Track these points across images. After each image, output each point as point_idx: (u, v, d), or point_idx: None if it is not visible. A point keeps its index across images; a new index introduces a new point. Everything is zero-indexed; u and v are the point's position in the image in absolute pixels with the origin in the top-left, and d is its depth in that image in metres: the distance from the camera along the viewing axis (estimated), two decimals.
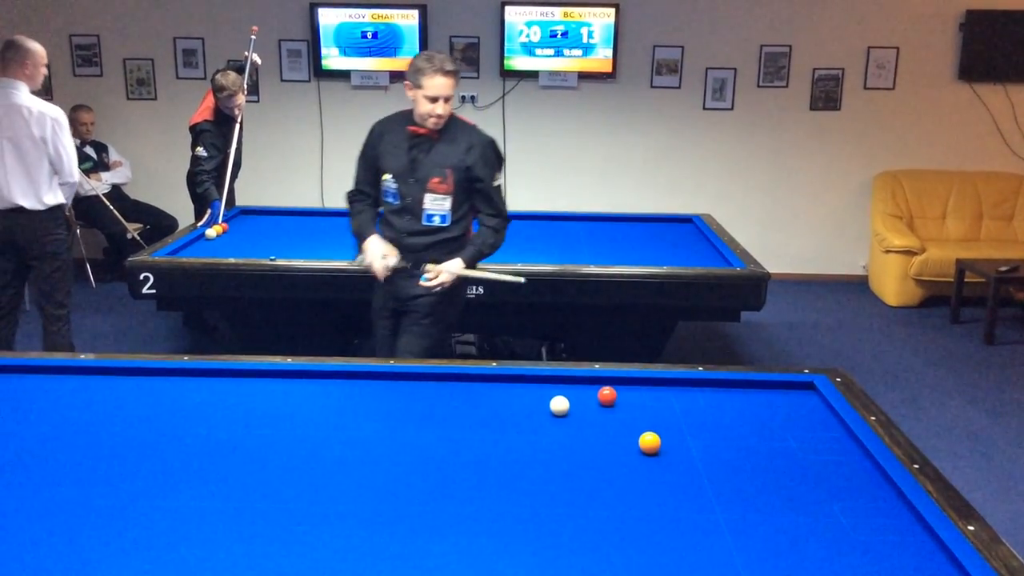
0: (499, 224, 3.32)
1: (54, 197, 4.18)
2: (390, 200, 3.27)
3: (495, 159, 3.28)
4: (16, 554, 1.72)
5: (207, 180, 4.98)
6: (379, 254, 3.21)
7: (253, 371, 2.67)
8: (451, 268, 3.19)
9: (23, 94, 4.10)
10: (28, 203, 4.10)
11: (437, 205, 3.22)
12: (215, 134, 5.05)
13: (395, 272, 3.26)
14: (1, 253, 4.18)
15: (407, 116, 3.23)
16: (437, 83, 3.06)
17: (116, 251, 6.51)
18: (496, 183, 3.30)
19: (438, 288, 3.18)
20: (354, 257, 3.38)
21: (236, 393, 2.55)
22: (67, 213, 4.35)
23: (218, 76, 5.03)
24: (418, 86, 3.08)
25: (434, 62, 3.07)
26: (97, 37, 6.78)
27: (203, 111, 5.12)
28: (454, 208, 3.24)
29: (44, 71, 4.21)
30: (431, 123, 3.14)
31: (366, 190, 3.34)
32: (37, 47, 4.16)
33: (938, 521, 1.82)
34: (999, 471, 3.91)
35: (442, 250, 3.26)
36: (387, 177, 3.24)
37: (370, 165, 3.30)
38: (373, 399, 2.53)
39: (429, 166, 3.20)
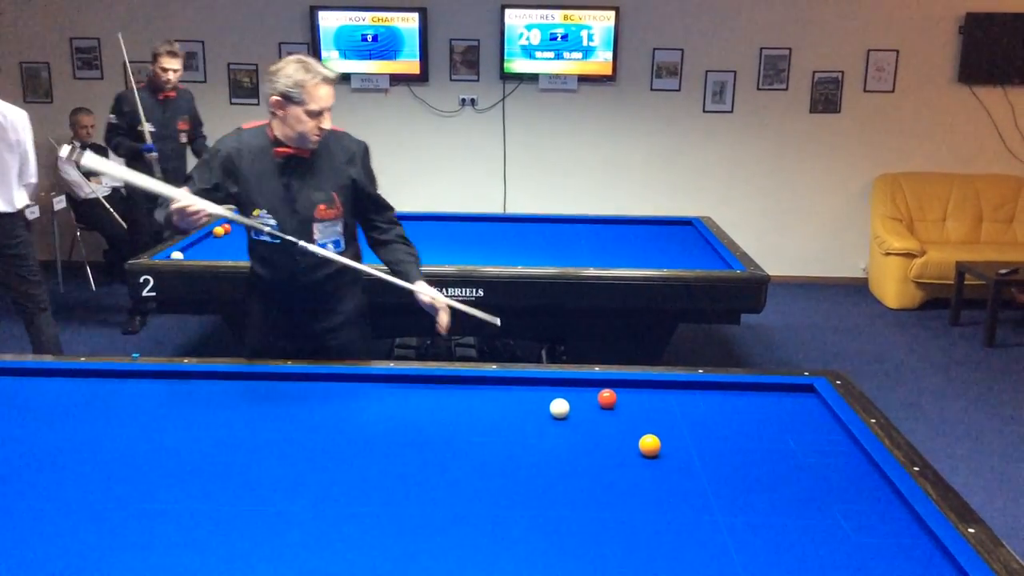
0: (402, 230, 2.93)
1: (22, 199, 4.19)
2: (265, 240, 2.74)
3: (370, 163, 2.88)
4: (22, 556, 1.73)
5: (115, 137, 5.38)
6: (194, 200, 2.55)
7: (252, 373, 2.67)
8: (439, 298, 2.75)
9: None
10: (5, 206, 4.09)
11: (328, 232, 2.78)
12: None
13: (294, 308, 2.86)
14: None
15: (263, 136, 2.72)
16: (323, 94, 2.60)
17: (116, 253, 6.52)
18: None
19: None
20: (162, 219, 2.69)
21: (236, 395, 2.54)
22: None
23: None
24: (297, 101, 2.58)
25: (313, 70, 2.59)
26: (97, 40, 6.79)
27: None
28: (345, 228, 2.82)
29: None
30: (313, 142, 2.67)
31: None
32: None
33: (938, 523, 1.82)
34: (999, 473, 3.91)
35: (342, 279, 2.87)
36: (259, 213, 2.72)
37: (213, 190, 2.72)
38: (372, 402, 2.53)
39: (311, 192, 2.72)
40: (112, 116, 5.40)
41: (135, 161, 5.26)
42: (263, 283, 2.88)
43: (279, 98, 2.60)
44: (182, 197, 2.53)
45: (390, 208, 2.92)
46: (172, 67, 5.29)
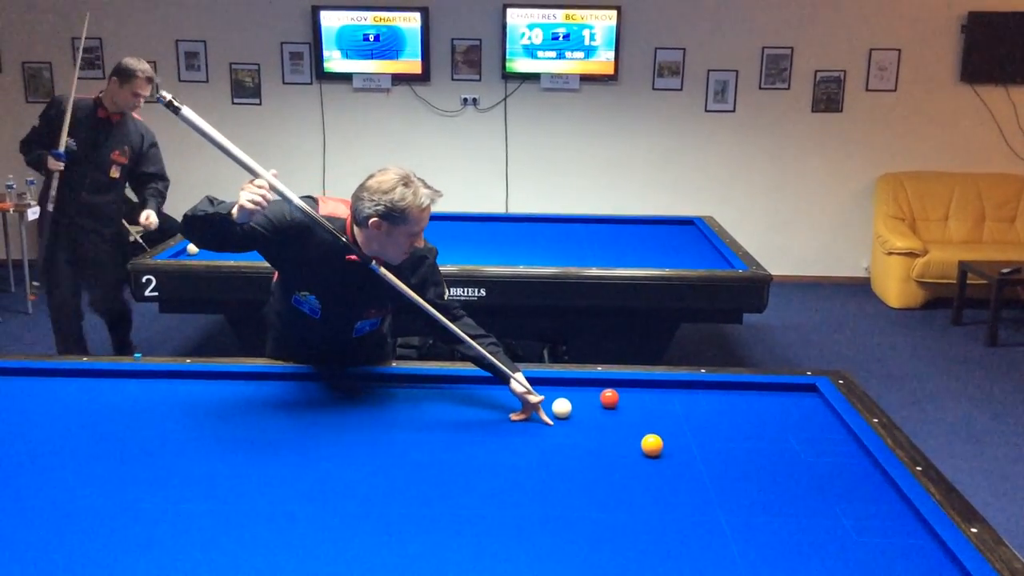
0: (474, 322, 2.70)
1: None
2: (305, 311, 2.66)
3: (439, 270, 2.73)
4: (22, 556, 1.73)
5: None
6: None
7: (254, 373, 2.67)
8: (533, 395, 2.45)
9: None
10: None
11: (370, 320, 2.74)
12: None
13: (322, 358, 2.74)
14: None
15: (342, 232, 2.49)
16: (427, 216, 2.45)
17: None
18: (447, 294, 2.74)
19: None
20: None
21: (238, 395, 2.55)
22: None
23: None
24: (400, 223, 2.39)
25: (420, 193, 2.39)
26: (99, 40, 6.79)
27: None
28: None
29: None
30: (400, 260, 2.53)
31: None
32: None
33: (941, 523, 1.82)
34: (1002, 473, 3.90)
35: (369, 343, 2.80)
36: (306, 295, 2.64)
37: (247, 233, 2.42)
38: (374, 402, 2.53)
39: (368, 299, 2.63)
40: (39, 121, 4.59)
41: (38, 169, 4.52)
42: (291, 341, 2.78)
43: (380, 219, 2.39)
44: (266, 175, 2.32)
45: (454, 307, 2.70)
46: (144, 94, 4.41)
